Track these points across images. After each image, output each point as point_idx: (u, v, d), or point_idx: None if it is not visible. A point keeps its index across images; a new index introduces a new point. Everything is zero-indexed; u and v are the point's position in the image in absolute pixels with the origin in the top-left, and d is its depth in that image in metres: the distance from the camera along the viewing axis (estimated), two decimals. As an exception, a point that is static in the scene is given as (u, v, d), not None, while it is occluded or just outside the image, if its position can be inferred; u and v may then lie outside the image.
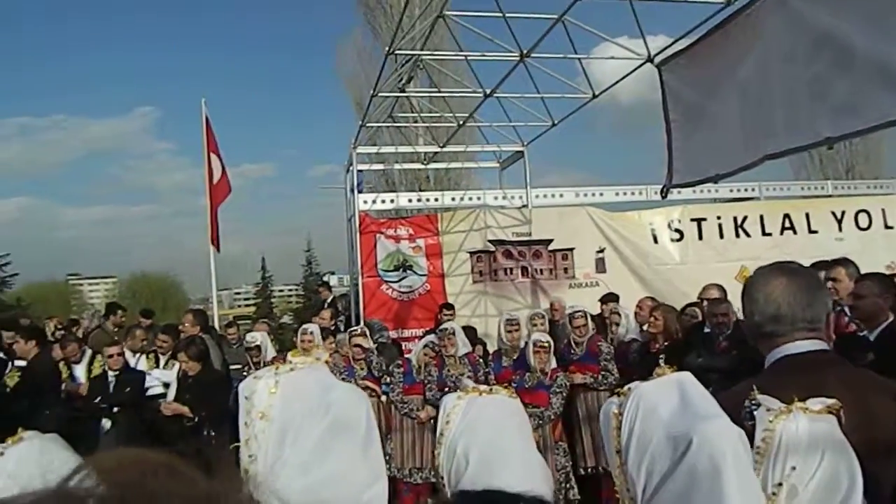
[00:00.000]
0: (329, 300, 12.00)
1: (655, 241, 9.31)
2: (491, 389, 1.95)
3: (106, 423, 5.80)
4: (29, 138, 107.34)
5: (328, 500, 1.47)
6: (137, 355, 7.07)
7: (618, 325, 6.29)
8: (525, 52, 6.24)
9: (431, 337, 6.28)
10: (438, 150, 9.46)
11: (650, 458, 1.32)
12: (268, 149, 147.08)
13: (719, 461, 1.19)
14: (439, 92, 8.02)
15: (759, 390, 1.45)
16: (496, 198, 9.55)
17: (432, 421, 5.82)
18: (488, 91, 7.24)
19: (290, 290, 61.78)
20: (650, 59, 6.09)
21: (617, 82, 7.09)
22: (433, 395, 5.84)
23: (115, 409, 5.79)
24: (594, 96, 7.38)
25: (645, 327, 6.02)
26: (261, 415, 1.54)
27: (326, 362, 1.74)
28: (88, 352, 7.40)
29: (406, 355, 6.66)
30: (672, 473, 1.26)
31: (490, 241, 8.96)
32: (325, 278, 43.20)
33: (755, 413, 1.41)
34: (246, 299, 68.78)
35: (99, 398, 5.83)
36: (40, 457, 1.30)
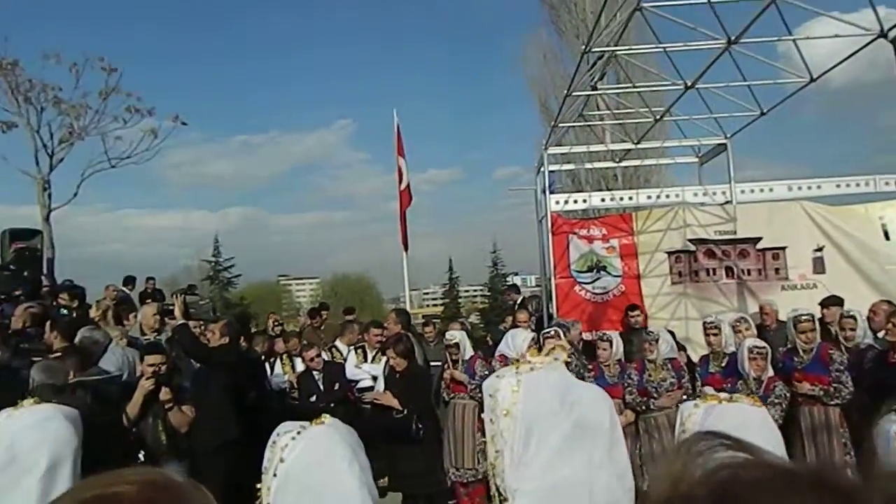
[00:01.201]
0: (518, 302, 12.13)
1: (887, 237, 8.24)
2: (731, 397, 1.84)
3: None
4: (248, 154, 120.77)
5: (573, 499, 1.47)
6: (348, 349, 7.66)
7: (853, 329, 5.64)
8: (733, 38, 5.84)
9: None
10: (632, 146, 9.16)
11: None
12: (454, 153, 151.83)
13: None
14: (635, 87, 7.76)
15: None
16: (696, 194, 9.03)
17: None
18: (689, 83, 6.88)
19: (476, 290, 63.34)
20: (883, 34, 5.42)
21: (844, 60, 6.38)
22: (633, 400, 5.68)
23: (332, 405, 6.30)
24: (811, 80, 6.71)
25: (881, 335, 5.35)
26: (505, 412, 1.59)
27: (566, 362, 1.75)
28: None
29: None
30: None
31: (690, 240, 8.50)
32: (510, 280, 43.73)
33: None
34: (433, 299, 71.68)
35: (315, 397, 6.36)
36: (328, 440, 1.42)
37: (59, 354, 4.44)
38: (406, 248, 12.12)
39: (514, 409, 1.56)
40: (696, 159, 9.63)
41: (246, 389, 5.73)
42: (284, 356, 7.98)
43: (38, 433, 1.66)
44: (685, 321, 8.15)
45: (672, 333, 7.11)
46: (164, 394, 4.81)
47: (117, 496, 0.70)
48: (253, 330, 9.07)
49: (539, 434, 1.53)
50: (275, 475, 1.33)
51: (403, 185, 12.14)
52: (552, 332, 6.09)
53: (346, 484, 1.37)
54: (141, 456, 4.56)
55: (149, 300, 10.59)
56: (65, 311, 7.18)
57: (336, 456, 1.40)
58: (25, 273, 7.87)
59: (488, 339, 11.21)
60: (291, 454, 1.40)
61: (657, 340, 5.82)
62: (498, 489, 1.58)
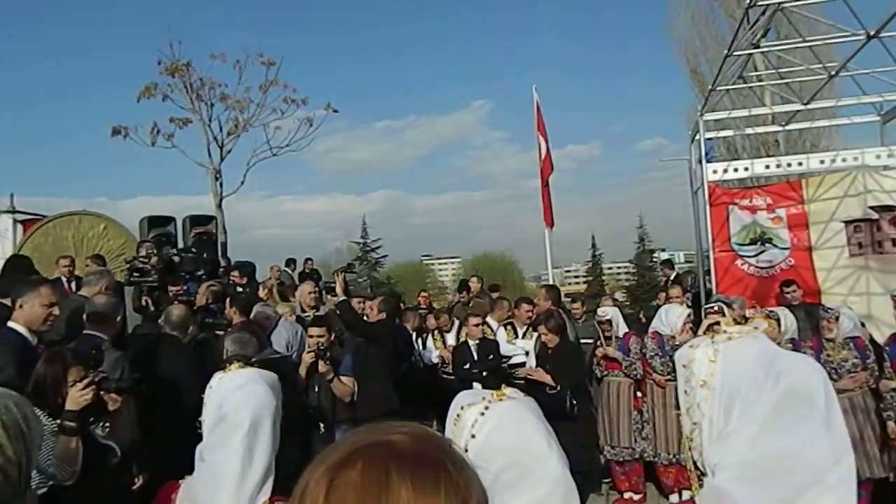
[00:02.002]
0: (671, 277, 11.61)
1: None
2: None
3: (477, 387, 6.44)
4: (391, 138, 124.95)
5: (780, 476, 1.36)
6: (498, 325, 7.71)
7: None
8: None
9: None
10: (801, 107, 8.38)
11: None
12: (593, 128, 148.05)
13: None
14: (805, 41, 7.07)
15: None
16: (878, 157, 8.11)
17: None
18: (872, 32, 6.15)
19: (621, 267, 61.57)
20: None
21: None
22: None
23: (484, 374, 6.38)
24: None
25: None
26: (702, 383, 1.50)
27: (766, 331, 1.62)
28: (456, 322, 8.33)
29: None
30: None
31: (872, 207, 7.66)
32: (657, 256, 42.05)
33: None
34: (576, 277, 70.61)
35: (468, 364, 6.49)
36: (518, 416, 1.40)
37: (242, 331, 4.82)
38: (551, 224, 11.97)
39: (711, 379, 1.47)
40: (878, 118, 8.62)
41: (400, 362, 5.96)
42: (435, 332, 8.20)
43: (242, 394, 1.80)
44: (866, 296, 7.40)
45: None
46: (322, 366, 5.09)
47: (392, 443, 0.78)
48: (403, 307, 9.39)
49: (741, 406, 1.43)
50: (465, 451, 1.31)
51: (544, 163, 11.98)
52: (715, 308, 5.76)
53: (544, 456, 1.35)
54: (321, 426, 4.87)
55: (307, 279, 11.30)
56: (239, 289, 7.80)
57: (529, 430, 1.36)
58: (205, 255, 8.63)
59: (640, 315, 10.87)
60: (482, 431, 1.35)
61: (837, 318, 5.33)
62: (695, 464, 1.50)
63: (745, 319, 6.09)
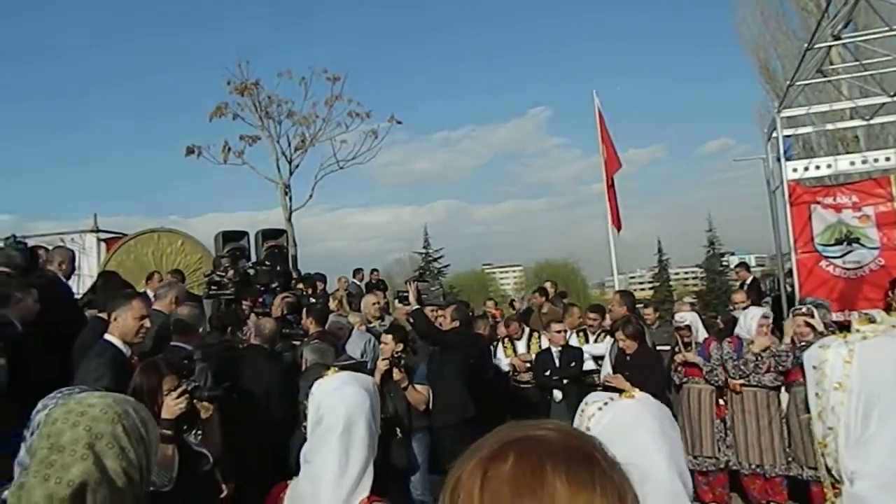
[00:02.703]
0: (749, 281, 11.21)
1: None
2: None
3: (557, 394, 6.35)
4: (449, 148, 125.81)
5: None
6: (570, 332, 7.60)
7: None
8: None
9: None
10: (887, 100, 7.96)
11: None
12: (654, 131, 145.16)
13: None
14: (891, 30, 6.72)
15: None
16: (978, 149, 7.62)
17: None
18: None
19: (688, 272, 59.94)
20: None
21: None
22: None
23: (565, 382, 6.29)
24: None
25: None
26: (837, 385, 1.41)
27: (903, 330, 1.52)
28: (527, 329, 8.24)
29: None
30: None
31: (974, 202, 7.21)
32: (727, 260, 40.74)
33: None
34: (641, 283, 69.14)
35: (548, 371, 6.40)
36: (634, 414, 1.38)
37: (316, 340, 4.91)
38: (619, 227, 11.76)
39: (847, 381, 1.38)
40: (970, 107, 8.12)
41: (480, 370, 5.93)
42: (506, 340, 8.14)
43: (337, 396, 1.83)
44: (967, 298, 6.93)
45: None
46: (397, 374, 5.11)
47: (543, 437, 0.78)
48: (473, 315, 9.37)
49: (882, 409, 1.34)
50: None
51: (608, 157, 11.75)
52: (804, 310, 5.51)
53: (651, 458, 1.30)
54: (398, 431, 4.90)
55: (374, 290, 11.43)
56: (312, 300, 7.96)
57: (641, 430, 1.35)
58: (278, 268, 8.85)
59: (718, 320, 10.53)
60: (598, 425, 1.36)
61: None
62: (829, 470, 1.41)
63: (836, 324, 5.82)
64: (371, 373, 5.27)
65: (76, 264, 6.84)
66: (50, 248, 7.18)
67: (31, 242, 7.20)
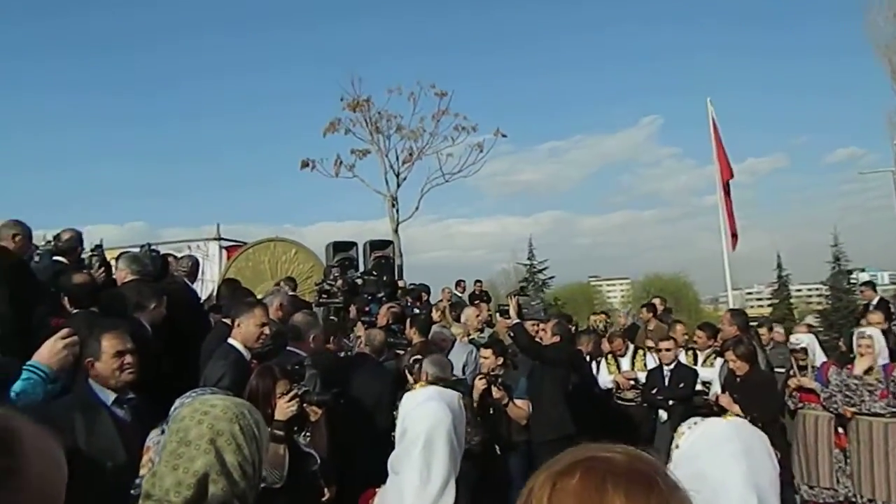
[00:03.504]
0: (875, 301, 10.43)
1: None
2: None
3: (663, 415, 6.18)
4: (556, 159, 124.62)
5: None
6: (678, 349, 7.37)
7: None
8: None
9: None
10: None
11: None
12: (775, 139, 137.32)
13: None
14: None
15: None
16: None
17: None
18: None
19: (811, 289, 56.06)
20: None
21: None
22: None
23: (671, 402, 6.11)
24: None
25: None
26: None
27: None
28: (631, 346, 8.07)
29: None
30: None
31: None
32: (855, 277, 37.77)
33: None
34: (759, 299, 65.42)
35: (655, 389, 6.24)
36: (721, 435, 1.41)
37: (418, 356, 5.04)
38: (735, 240, 11.26)
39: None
40: None
41: (581, 386, 5.88)
42: (609, 356, 7.99)
43: (421, 410, 1.91)
44: None
45: None
46: (496, 392, 5.15)
47: (609, 459, 0.86)
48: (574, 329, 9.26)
49: None
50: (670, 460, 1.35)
51: (726, 177, 11.31)
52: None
53: (731, 479, 1.33)
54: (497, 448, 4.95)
55: (477, 301, 11.54)
56: (416, 310, 8.17)
57: (726, 451, 1.39)
58: (384, 278, 9.17)
59: (840, 343, 9.83)
60: (685, 442, 1.42)
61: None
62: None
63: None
64: (470, 389, 5.35)
65: (200, 270, 7.43)
66: (178, 255, 7.83)
67: (161, 250, 7.90)
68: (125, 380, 3.19)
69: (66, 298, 4.55)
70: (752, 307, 63.86)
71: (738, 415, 5.35)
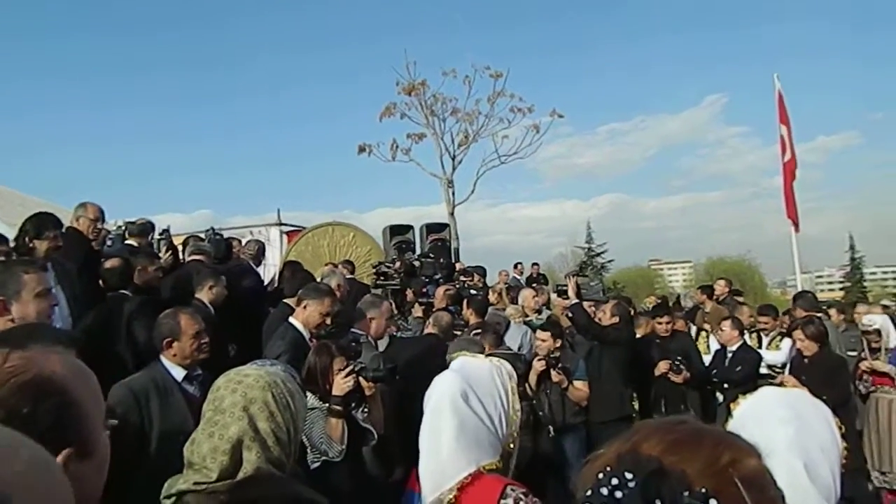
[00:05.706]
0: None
1: None
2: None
3: (720, 396, 6.04)
4: (616, 141, 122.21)
5: None
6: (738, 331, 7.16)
7: None
8: None
9: None
10: None
11: None
12: (848, 116, 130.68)
13: None
14: None
15: None
16: None
17: None
18: None
19: (886, 272, 53.49)
20: None
21: None
22: None
23: (726, 386, 5.95)
24: None
25: None
26: None
27: None
28: (693, 328, 7.89)
29: None
30: None
31: None
32: (937, 258, 35.77)
33: None
34: (830, 283, 62.83)
35: (714, 371, 6.10)
36: (771, 403, 1.42)
37: (478, 330, 5.05)
38: (796, 226, 10.86)
39: None
40: None
41: (640, 368, 5.80)
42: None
43: (437, 381, 1.89)
44: None
45: None
46: (556, 376, 5.13)
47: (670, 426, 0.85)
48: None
49: None
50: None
51: (787, 157, 10.91)
52: None
53: (774, 444, 1.34)
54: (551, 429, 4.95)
55: (534, 284, 11.48)
56: (472, 292, 8.18)
57: (774, 416, 1.40)
58: (441, 260, 9.21)
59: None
60: (738, 411, 1.44)
61: None
62: None
63: None
64: (528, 364, 5.33)
65: (264, 254, 7.64)
66: (243, 240, 8.06)
67: (226, 234, 8.14)
68: (200, 358, 3.32)
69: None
70: (822, 291, 61.41)
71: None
